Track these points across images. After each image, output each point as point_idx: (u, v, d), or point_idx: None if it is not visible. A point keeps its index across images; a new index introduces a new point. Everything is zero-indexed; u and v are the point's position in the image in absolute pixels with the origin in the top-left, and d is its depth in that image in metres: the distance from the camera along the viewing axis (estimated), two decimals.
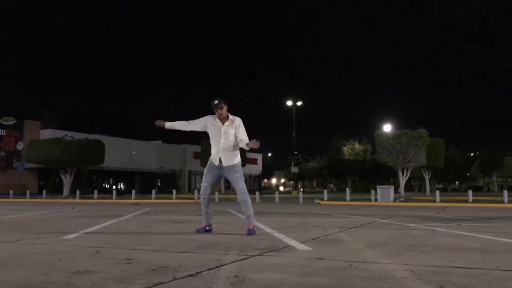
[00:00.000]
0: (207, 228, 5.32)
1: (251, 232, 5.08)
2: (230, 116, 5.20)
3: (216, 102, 5.06)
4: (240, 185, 5.17)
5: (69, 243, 4.40)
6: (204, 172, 5.32)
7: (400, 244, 4.47)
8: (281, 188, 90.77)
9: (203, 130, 5.33)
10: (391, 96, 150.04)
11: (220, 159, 5.17)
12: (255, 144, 5.02)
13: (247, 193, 5.20)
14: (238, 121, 5.22)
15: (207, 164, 5.32)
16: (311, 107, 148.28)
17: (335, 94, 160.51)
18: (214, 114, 5.19)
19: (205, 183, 5.26)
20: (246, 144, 5.10)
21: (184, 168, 50.28)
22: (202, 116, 5.31)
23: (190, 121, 5.31)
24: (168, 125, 5.26)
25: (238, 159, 5.26)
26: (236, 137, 5.17)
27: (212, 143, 5.26)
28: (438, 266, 3.13)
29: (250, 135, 5.35)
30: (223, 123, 5.16)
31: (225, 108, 5.12)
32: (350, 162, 61.61)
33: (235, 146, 5.20)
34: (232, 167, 5.18)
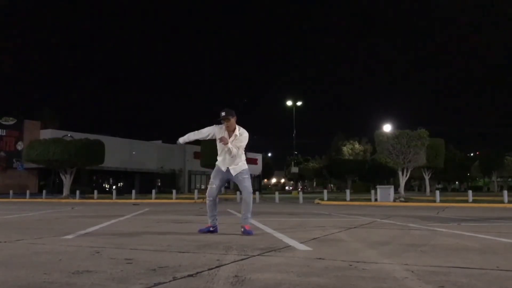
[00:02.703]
0: (211, 228, 5.30)
1: (248, 232, 5.05)
2: (237, 130, 5.20)
3: (223, 114, 5.09)
4: (247, 185, 5.19)
5: (69, 243, 4.40)
6: (212, 175, 5.36)
7: (400, 244, 4.47)
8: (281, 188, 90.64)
9: (211, 138, 5.37)
10: (391, 96, 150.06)
11: (228, 168, 5.23)
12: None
13: (252, 194, 5.23)
14: (243, 134, 5.23)
15: (215, 168, 5.37)
16: (311, 107, 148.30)
17: (335, 94, 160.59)
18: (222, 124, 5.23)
19: (213, 185, 5.30)
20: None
21: (184, 168, 50.27)
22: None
23: (200, 130, 5.35)
24: (183, 139, 5.34)
25: (244, 166, 5.27)
26: (238, 148, 5.19)
27: (219, 150, 5.28)
28: (438, 266, 3.13)
29: (251, 135, 5.38)
30: (229, 136, 5.17)
31: (232, 120, 5.14)
32: (350, 162, 61.54)
33: (241, 156, 5.26)
34: (240, 173, 5.23)
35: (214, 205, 5.30)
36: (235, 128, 5.18)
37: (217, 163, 5.35)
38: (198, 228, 5.51)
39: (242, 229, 5.12)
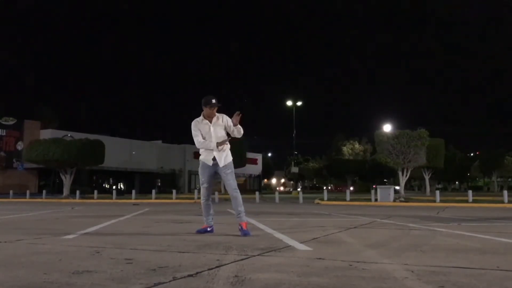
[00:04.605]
0: (208, 229, 5.31)
1: (245, 232, 4.99)
2: (217, 114, 5.19)
3: (213, 101, 5.05)
4: (231, 181, 5.15)
5: (69, 243, 4.40)
6: (200, 174, 5.30)
7: (400, 244, 4.48)
8: (281, 188, 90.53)
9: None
10: (391, 96, 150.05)
11: (214, 158, 5.15)
12: (237, 118, 5.05)
13: (238, 189, 5.20)
14: (225, 117, 5.20)
15: (200, 165, 5.30)
16: (311, 107, 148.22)
17: (335, 94, 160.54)
18: (200, 114, 5.17)
19: (205, 184, 5.25)
20: (233, 125, 5.11)
21: (184, 168, 50.27)
22: (199, 115, 5.22)
23: (196, 138, 5.24)
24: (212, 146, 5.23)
25: (230, 157, 5.26)
26: (225, 132, 5.19)
27: (199, 140, 5.18)
28: (438, 266, 3.13)
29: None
30: (210, 121, 5.13)
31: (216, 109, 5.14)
32: (350, 162, 61.57)
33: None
34: (226, 166, 5.17)
35: (209, 206, 5.31)
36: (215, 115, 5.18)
37: (201, 158, 5.26)
38: (196, 229, 5.51)
39: (239, 227, 5.06)
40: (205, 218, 5.35)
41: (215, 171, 5.24)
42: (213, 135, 5.13)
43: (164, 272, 2.87)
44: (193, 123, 5.21)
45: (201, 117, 5.19)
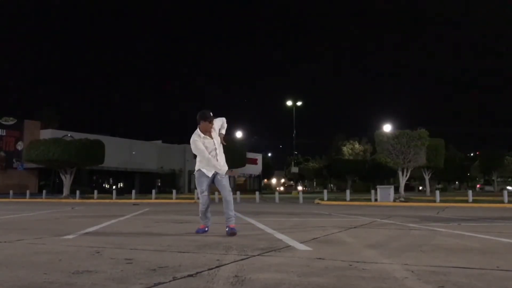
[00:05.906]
0: (206, 229, 5.42)
1: (232, 230, 5.00)
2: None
3: (211, 114, 5.07)
4: (225, 183, 5.20)
5: (69, 243, 4.41)
6: (198, 183, 5.28)
7: (400, 244, 4.48)
8: (281, 188, 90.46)
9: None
10: (391, 96, 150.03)
11: (216, 170, 5.18)
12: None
13: (231, 192, 5.28)
14: (216, 122, 5.23)
15: (198, 174, 5.27)
16: (311, 107, 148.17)
17: (335, 94, 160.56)
18: (196, 129, 5.16)
19: (205, 192, 5.26)
20: (220, 134, 5.30)
21: (184, 168, 50.28)
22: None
23: (199, 152, 5.21)
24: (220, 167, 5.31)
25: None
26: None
27: (206, 157, 5.11)
28: (438, 266, 3.13)
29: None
30: (211, 136, 5.13)
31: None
32: (350, 162, 61.57)
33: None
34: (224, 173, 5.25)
35: (207, 211, 5.37)
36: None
37: (201, 168, 5.22)
38: (196, 229, 5.52)
39: (227, 229, 5.04)
40: (202, 221, 5.45)
41: (212, 179, 5.28)
42: (218, 152, 5.18)
43: (164, 272, 2.87)
44: (195, 138, 5.11)
45: (199, 131, 5.12)
